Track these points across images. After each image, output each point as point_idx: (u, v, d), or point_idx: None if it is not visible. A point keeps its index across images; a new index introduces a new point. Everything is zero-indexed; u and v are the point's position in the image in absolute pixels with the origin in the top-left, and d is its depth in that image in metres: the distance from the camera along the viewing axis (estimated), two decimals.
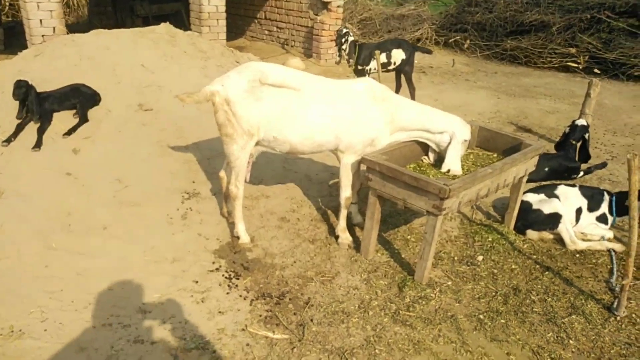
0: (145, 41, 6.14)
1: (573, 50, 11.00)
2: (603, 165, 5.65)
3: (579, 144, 5.52)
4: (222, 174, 4.01)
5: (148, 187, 4.31)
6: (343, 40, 7.34)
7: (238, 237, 3.87)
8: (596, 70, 10.61)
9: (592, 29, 11.03)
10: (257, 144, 3.67)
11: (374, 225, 3.72)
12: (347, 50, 7.31)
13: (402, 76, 7.53)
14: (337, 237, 4.01)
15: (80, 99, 4.94)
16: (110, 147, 4.66)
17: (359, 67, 7.29)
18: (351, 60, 7.37)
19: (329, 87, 3.70)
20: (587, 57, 10.81)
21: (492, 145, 4.33)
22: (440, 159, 3.88)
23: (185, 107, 5.25)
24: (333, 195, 4.75)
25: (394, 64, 7.29)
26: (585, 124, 5.43)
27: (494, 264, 3.86)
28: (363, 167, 3.69)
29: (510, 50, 12.06)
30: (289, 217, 4.31)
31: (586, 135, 5.49)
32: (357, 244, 4.00)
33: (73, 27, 12.64)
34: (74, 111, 4.97)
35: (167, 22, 6.96)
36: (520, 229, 4.33)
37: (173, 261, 3.60)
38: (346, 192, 3.87)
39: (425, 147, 4.07)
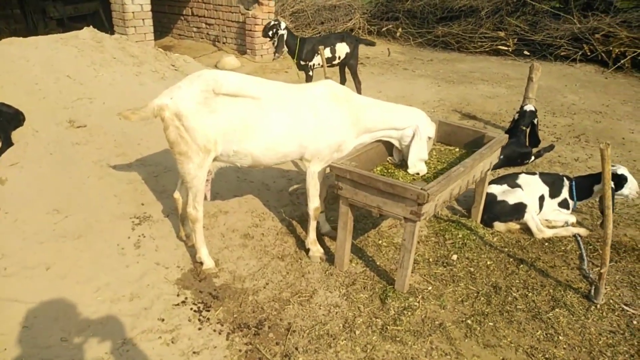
0: (69, 49, 5.57)
1: (502, 33, 11.35)
2: (551, 147, 5.81)
3: (528, 129, 5.63)
4: (177, 195, 3.67)
5: (91, 215, 3.88)
6: (271, 33, 7.03)
7: (201, 263, 3.56)
8: (526, 52, 11.02)
9: (518, 12, 11.45)
10: (215, 159, 3.37)
11: (347, 235, 3.54)
12: (276, 44, 7.01)
13: (347, 70, 7.38)
14: (307, 251, 3.79)
15: (0, 120, 4.37)
16: (42, 172, 4.15)
17: (302, 63, 7.05)
18: (277, 54, 7.11)
19: (289, 93, 3.46)
20: (515, 39, 11.20)
21: (454, 139, 4.27)
22: (405, 157, 3.76)
23: (123, 121, 4.79)
24: (295, 203, 4.52)
25: (339, 58, 7.14)
26: (533, 109, 5.53)
27: (469, 262, 3.80)
28: (330, 173, 3.48)
29: (442, 37, 12.28)
30: (253, 233, 4.04)
31: (535, 120, 5.60)
32: (329, 255, 3.80)
33: None
34: None
35: (87, 25, 6.39)
36: (487, 221, 4.32)
37: (132, 298, 3.24)
38: (314, 202, 3.66)
39: (390, 147, 3.93)
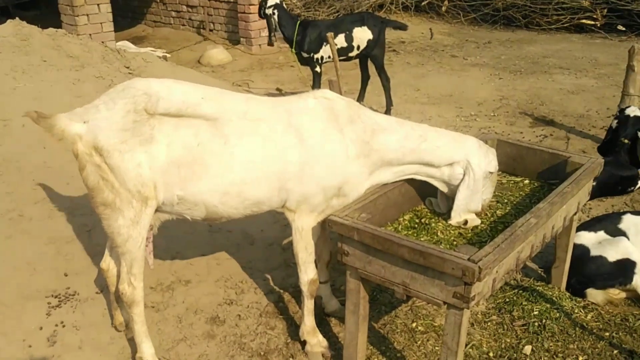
0: None
1: (586, 2, 10.73)
2: None
3: (630, 143, 5.01)
4: (105, 264, 3.20)
5: None
6: (265, 10, 6.64)
7: None
8: (620, 27, 10.38)
9: None
10: (156, 210, 2.90)
11: (361, 324, 2.99)
12: (274, 25, 6.61)
13: (370, 64, 6.90)
14: (303, 344, 3.27)
15: None
16: None
17: (305, 55, 6.60)
18: (271, 40, 6.72)
19: (262, 109, 3.00)
20: (605, 10, 10.56)
21: (521, 165, 3.71)
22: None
23: (47, 150, 4.39)
24: (290, 264, 4.00)
25: (358, 48, 6.66)
26: (639, 114, 4.91)
27: (550, 358, 3.21)
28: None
29: (504, 10, 11.75)
30: (224, 315, 3.54)
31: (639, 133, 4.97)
32: (336, 348, 3.27)
33: None
34: None
35: (39, 15, 6.13)
36: (575, 288, 3.73)
37: None
38: (308, 273, 3.16)
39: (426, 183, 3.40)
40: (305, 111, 3.01)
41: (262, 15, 6.65)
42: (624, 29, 10.38)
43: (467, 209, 3.09)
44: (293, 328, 3.45)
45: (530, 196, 3.45)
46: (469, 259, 2.44)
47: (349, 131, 2.99)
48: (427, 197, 3.40)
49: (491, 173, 3.18)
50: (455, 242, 3.01)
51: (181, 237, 4.09)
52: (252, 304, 3.64)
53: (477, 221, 3.13)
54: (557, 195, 3.05)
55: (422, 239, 3.04)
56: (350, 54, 6.65)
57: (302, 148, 2.93)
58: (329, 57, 6.44)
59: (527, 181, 3.63)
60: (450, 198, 3.27)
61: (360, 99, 6.93)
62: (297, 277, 3.82)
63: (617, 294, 3.65)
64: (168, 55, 9.79)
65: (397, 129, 3.12)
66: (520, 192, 3.51)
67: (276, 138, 2.92)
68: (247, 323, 3.49)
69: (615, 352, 3.25)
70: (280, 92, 8.26)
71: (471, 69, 9.01)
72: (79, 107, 4.71)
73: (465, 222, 3.14)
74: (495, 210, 3.30)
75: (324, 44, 6.32)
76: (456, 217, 3.12)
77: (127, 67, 5.92)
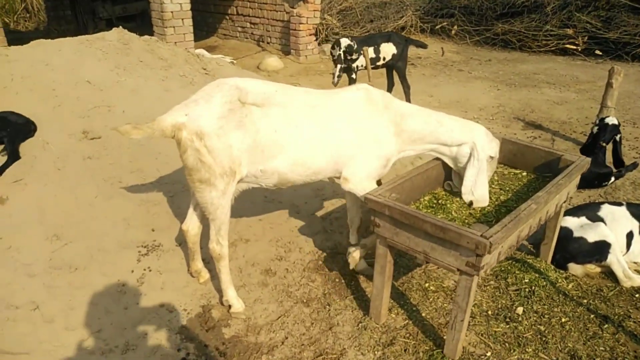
0: (93, 51, 5.18)
1: (570, 31, 10.24)
2: (634, 166, 4.89)
3: (607, 146, 4.73)
4: (187, 225, 3.12)
5: (95, 242, 3.40)
6: (339, 53, 6.03)
7: (229, 306, 3.02)
8: (597, 52, 9.87)
9: (589, 6, 10.28)
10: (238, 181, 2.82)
11: (386, 282, 2.87)
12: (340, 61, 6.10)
13: (394, 73, 6.66)
14: (348, 254, 3.30)
15: (8, 131, 3.99)
16: (46, 191, 3.72)
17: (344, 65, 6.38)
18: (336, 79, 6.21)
19: (319, 99, 2.92)
20: (586, 37, 10.06)
21: (520, 161, 3.50)
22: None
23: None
24: (328, 230, 3.88)
25: (384, 59, 6.43)
26: (616, 122, 4.63)
27: (538, 318, 3.04)
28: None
29: (502, 35, 11.29)
30: (275, 268, 3.44)
31: (617, 137, 4.69)
32: (363, 300, 3.16)
33: (32, 35, 11.54)
34: (1, 147, 4.02)
35: (135, 25, 6.04)
36: (559, 262, 3.53)
37: (125, 350, 2.72)
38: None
39: (445, 172, 3.24)
40: (351, 99, 2.92)
41: (342, 59, 6.06)
42: (600, 53, 9.86)
43: (475, 185, 2.94)
44: (329, 282, 3.35)
45: (527, 186, 3.27)
46: (481, 235, 2.30)
47: (385, 115, 2.90)
48: (446, 181, 3.24)
49: (492, 158, 3.03)
50: (466, 221, 2.86)
51: (244, 206, 3.99)
52: (297, 261, 3.53)
53: (483, 203, 2.97)
54: (553, 185, 2.86)
55: (439, 217, 2.89)
56: (378, 64, 6.43)
57: (352, 127, 2.85)
58: (363, 65, 6.23)
59: (524, 173, 3.43)
60: (459, 176, 3.15)
61: None
62: (334, 241, 3.76)
63: (593, 268, 3.45)
64: (234, 61, 9.64)
65: (421, 114, 3.01)
66: (519, 182, 3.32)
67: (330, 119, 2.84)
68: (293, 276, 3.39)
69: (592, 316, 3.06)
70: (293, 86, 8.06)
71: (475, 81, 8.67)
72: (166, 99, 4.66)
73: (471, 203, 2.99)
74: (499, 196, 3.12)
75: (360, 55, 6.10)
76: (466, 195, 2.98)
77: (204, 69, 5.81)
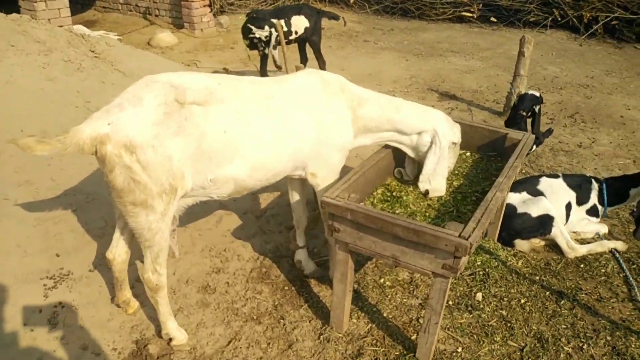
0: None
1: None
2: (549, 132, 5.05)
3: (528, 117, 4.84)
4: (112, 254, 2.58)
5: None
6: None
7: (170, 339, 2.58)
8: (492, 19, 10.27)
9: None
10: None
11: (347, 289, 2.61)
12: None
13: (307, 48, 6.33)
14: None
15: None
16: None
17: (255, 40, 5.91)
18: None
19: (269, 88, 2.53)
20: (480, 5, 10.40)
21: (463, 141, 3.38)
22: (420, 170, 2.86)
23: (25, 133, 3.58)
24: (266, 231, 3.53)
25: (296, 33, 6.05)
26: (537, 94, 4.72)
27: (498, 302, 2.99)
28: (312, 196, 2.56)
29: (401, 3, 11.34)
30: (214, 284, 3.04)
31: (537, 108, 4.80)
32: (318, 307, 2.89)
33: None
34: None
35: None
36: (505, 239, 3.52)
37: None
38: None
39: (394, 159, 3.03)
40: (305, 85, 2.58)
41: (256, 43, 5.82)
42: (495, 20, 10.29)
43: (433, 173, 2.76)
44: (278, 291, 3.03)
45: (475, 167, 3.17)
46: (460, 236, 2.11)
47: (342, 100, 2.62)
48: (397, 168, 3.03)
49: (454, 144, 2.87)
50: (427, 214, 2.67)
51: None
52: (238, 271, 3.16)
53: (440, 193, 2.81)
54: (509, 169, 2.77)
55: (397, 212, 2.68)
56: (290, 38, 6.05)
57: (313, 118, 2.53)
58: (275, 41, 5.81)
59: (468, 154, 3.33)
60: (416, 166, 2.96)
61: None
62: (275, 242, 3.42)
63: (538, 243, 3.48)
64: (120, 38, 8.65)
65: (377, 99, 2.74)
66: (465, 164, 3.21)
67: (288, 114, 2.47)
68: (236, 289, 3.01)
69: (547, 293, 3.08)
70: (227, 72, 7.51)
71: (382, 52, 8.61)
72: (51, 90, 3.92)
73: (427, 193, 2.81)
74: (452, 181, 2.98)
75: (272, 30, 5.67)
76: (423, 183, 2.79)
77: (93, 51, 5.02)
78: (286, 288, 3.05)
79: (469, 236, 2.11)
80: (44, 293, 2.75)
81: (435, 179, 2.78)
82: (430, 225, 2.19)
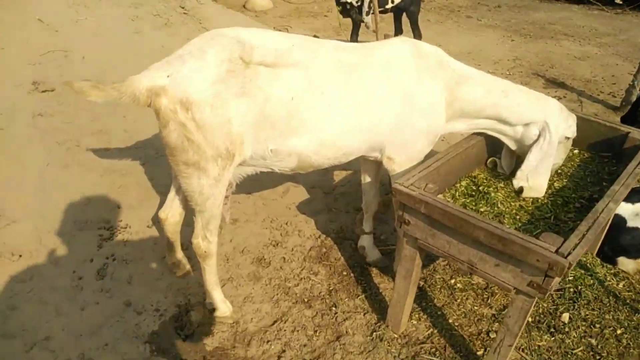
0: None
1: None
2: None
3: None
4: (165, 213, 2.45)
5: (43, 222, 2.75)
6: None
7: (213, 309, 2.44)
8: (617, 1, 9.05)
9: None
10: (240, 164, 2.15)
11: (410, 288, 2.29)
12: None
13: (403, 19, 5.85)
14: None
15: None
16: None
17: (348, 6, 5.55)
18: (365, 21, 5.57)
19: (353, 56, 2.20)
20: None
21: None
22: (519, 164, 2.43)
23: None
24: (332, 209, 3.27)
25: (392, 2, 5.58)
26: None
27: (587, 327, 2.52)
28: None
29: None
30: (270, 257, 2.84)
31: None
32: (377, 300, 2.60)
33: None
34: None
35: None
36: (608, 255, 2.98)
37: None
38: None
39: (486, 149, 2.60)
40: (396, 56, 2.21)
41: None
42: (620, 2, 9.06)
43: (535, 172, 2.32)
44: (335, 275, 2.77)
45: (583, 168, 2.65)
46: (557, 252, 1.70)
47: (438, 77, 2.23)
48: (491, 157, 2.61)
49: (567, 139, 2.39)
50: (518, 216, 2.25)
51: None
52: (297, 247, 2.94)
53: (537, 194, 2.36)
54: (629, 176, 2.25)
55: (481, 209, 2.28)
56: (386, 6, 5.60)
57: (399, 95, 2.17)
58: (369, 9, 5.41)
59: (576, 151, 2.81)
60: (515, 159, 2.52)
61: None
62: (340, 221, 3.16)
63: None
64: None
65: (482, 80, 2.32)
66: (572, 163, 2.70)
67: (371, 87, 2.14)
68: (291, 266, 2.80)
69: None
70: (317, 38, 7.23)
71: (486, 29, 7.88)
72: (137, 43, 3.85)
73: (521, 191, 2.37)
74: (552, 182, 2.51)
75: None
76: (522, 178, 2.35)
77: (182, 7, 4.95)
78: (344, 273, 2.78)
79: (569, 253, 1.69)
80: (98, 243, 2.72)
81: (535, 177, 2.33)
82: (521, 234, 1.78)
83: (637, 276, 2.91)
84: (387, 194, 3.23)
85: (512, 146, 2.44)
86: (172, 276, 2.64)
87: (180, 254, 2.61)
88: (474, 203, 2.33)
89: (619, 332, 2.52)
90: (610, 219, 2.82)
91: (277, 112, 2.00)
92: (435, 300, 2.65)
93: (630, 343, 2.45)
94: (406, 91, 2.18)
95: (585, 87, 5.68)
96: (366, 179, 2.64)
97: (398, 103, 2.17)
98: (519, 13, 8.96)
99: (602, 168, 2.67)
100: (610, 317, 2.60)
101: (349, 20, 5.79)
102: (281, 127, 2.04)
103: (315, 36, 7.36)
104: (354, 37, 5.68)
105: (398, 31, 5.90)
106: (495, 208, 2.29)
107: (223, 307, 2.43)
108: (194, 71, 1.88)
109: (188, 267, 2.65)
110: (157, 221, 2.90)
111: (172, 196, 2.41)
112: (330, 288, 2.68)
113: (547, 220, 2.22)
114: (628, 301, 2.71)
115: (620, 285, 2.83)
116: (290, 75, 2.01)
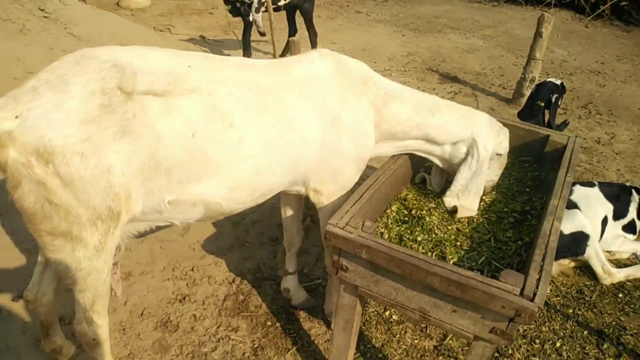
0: None
1: None
2: (565, 124, 4.47)
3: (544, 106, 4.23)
4: (33, 293, 1.89)
5: None
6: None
7: None
8: None
9: None
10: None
11: (351, 340, 1.99)
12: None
13: (297, 17, 5.56)
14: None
15: None
16: None
17: (238, 5, 5.12)
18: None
19: (266, 76, 1.82)
20: None
21: None
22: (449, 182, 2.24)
23: None
24: (245, 243, 2.86)
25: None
26: (557, 82, 4.10)
27: (528, 345, 2.42)
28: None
29: None
30: (177, 317, 2.39)
31: (553, 97, 4.17)
32: (309, 350, 2.27)
33: None
34: None
35: None
36: None
37: None
38: None
39: (411, 167, 2.38)
40: (316, 73, 1.88)
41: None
42: None
43: (464, 191, 2.14)
44: (258, 328, 2.39)
45: (507, 175, 2.54)
46: (522, 294, 1.49)
47: (366, 95, 1.95)
48: (419, 173, 2.39)
49: (499, 155, 2.23)
50: (458, 243, 2.05)
51: None
52: (208, 299, 2.51)
53: (469, 213, 2.18)
54: (563, 187, 2.15)
55: (418, 238, 2.05)
56: (279, 4, 5.27)
57: (321, 120, 1.84)
58: (259, 5, 5.03)
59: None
60: (445, 177, 2.33)
61: (285, 51, 5.63)
62: (256, 259, 2.77)
63: (567, 264, 2.93)
64: None
65: (409, 98, 2.06)
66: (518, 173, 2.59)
67: (290, 113, 1.79)
68: (204, 325, 2.37)
69: (585, 333, 2.52)
70: (203, 39, 6.68)
71: (376, 25, 7.87)
72: None
73: (454, 211, 2.19)
74: (482, 194, 2.35)
75: None
76: (449, 198, 2.17)
77: (42, 10, 4.18)
78: (269, 324, 2.41)
79: (534, 294, 1.49)
80: None
81: (466, 197, 2.16)
82: (480, 277, 1.56)
83: (560, 278, 2.91)
84: (304, 220, 2.91)
85: (442, 165, 2.24)
86: None
87: (61, 338, 2.06)
88: (409, 231, 2.09)
89: (557, 344, 2.45)
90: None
91: (173, 154, 1.57)
92: (374, 340, 2.39)
93: (570, 355, 2.39)
94: (330, 114, 1.86)
95: (477, 80, 5.83)
96: (287, 212, 2.30)
97: (322, 129, 1.85)
98: (405, 7, 9.12)
99: (525, 174, 2.59)
100: (547, 328, 2.54)
101: (238, 19, 5.36)
102: (180, 173, 1.61)
103: (201, 36, 6.81)
104: (246, 39, 5.27)
105: (292, 29, 5.59)
106: (433, 235, 2.07)
107: None
108: (52, 109, 1.38)
109: (73, 349, 2.10)
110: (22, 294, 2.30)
111: (39, 269, 1.86)
112: (255, 345, 2.30)
113: (488, 244, 2.04)
114: (558, 307, 2.68)
115: (548, 291, 2.79)
116: (189, 105, 1.59)
